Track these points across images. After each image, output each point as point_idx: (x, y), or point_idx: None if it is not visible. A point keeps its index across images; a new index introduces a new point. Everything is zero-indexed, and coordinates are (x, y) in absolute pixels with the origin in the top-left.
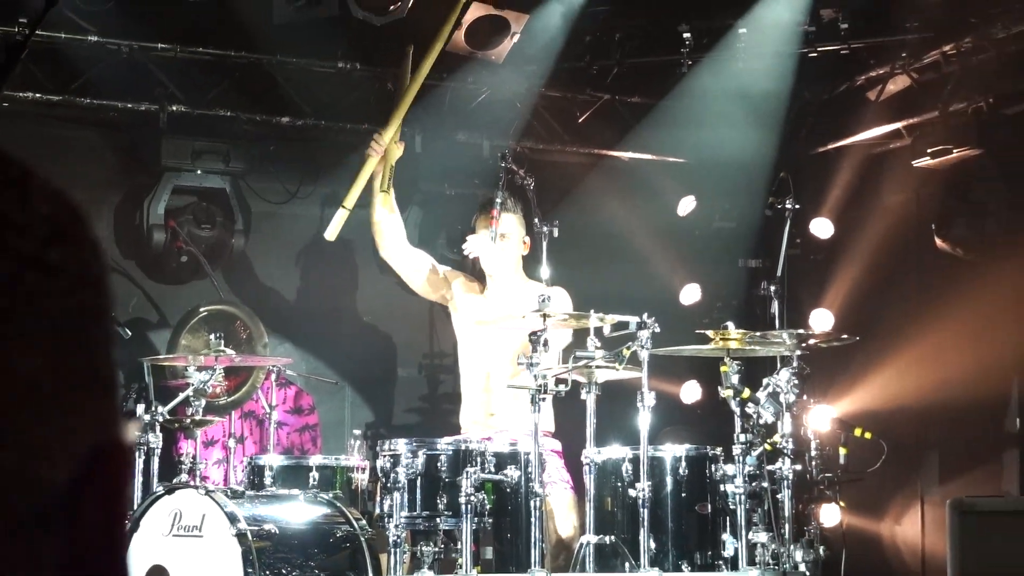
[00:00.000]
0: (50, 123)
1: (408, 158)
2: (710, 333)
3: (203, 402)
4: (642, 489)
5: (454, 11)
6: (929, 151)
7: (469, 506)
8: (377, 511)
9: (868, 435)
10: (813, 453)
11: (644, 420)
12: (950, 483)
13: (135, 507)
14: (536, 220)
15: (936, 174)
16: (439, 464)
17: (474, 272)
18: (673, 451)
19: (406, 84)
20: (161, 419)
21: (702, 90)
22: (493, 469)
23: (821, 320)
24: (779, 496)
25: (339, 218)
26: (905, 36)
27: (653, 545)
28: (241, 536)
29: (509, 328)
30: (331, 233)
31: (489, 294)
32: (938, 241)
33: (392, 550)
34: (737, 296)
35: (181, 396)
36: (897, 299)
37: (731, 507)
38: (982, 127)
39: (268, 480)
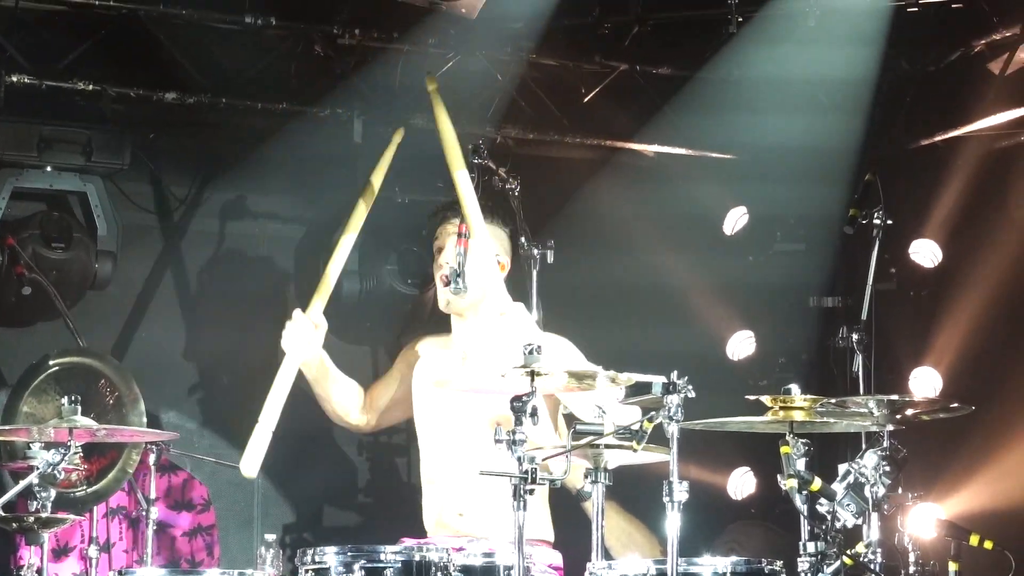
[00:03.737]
0: None
1: (344, 149)
2: (767, 400)
3: (52, 493)
4: None
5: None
6: None
7: None
8: None
9: (989, 544)
10: (912, 570)
11: (673, 522)
12: None
13: None
14: (523, 240)
15: None
16: None
17: (435, 314)
18: (714, 565)
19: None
20: None
21: (756, 59)
22: None
23: (924, 382)
24: None
25: (259, 444)
26: None
27: None
28: None
29: (482, 391)
30: (250, 468)
31: (455, 343)
32: None
33: None
34: (806, 348)
35: (22, 484)
36: None
37: None
38: None
39: None
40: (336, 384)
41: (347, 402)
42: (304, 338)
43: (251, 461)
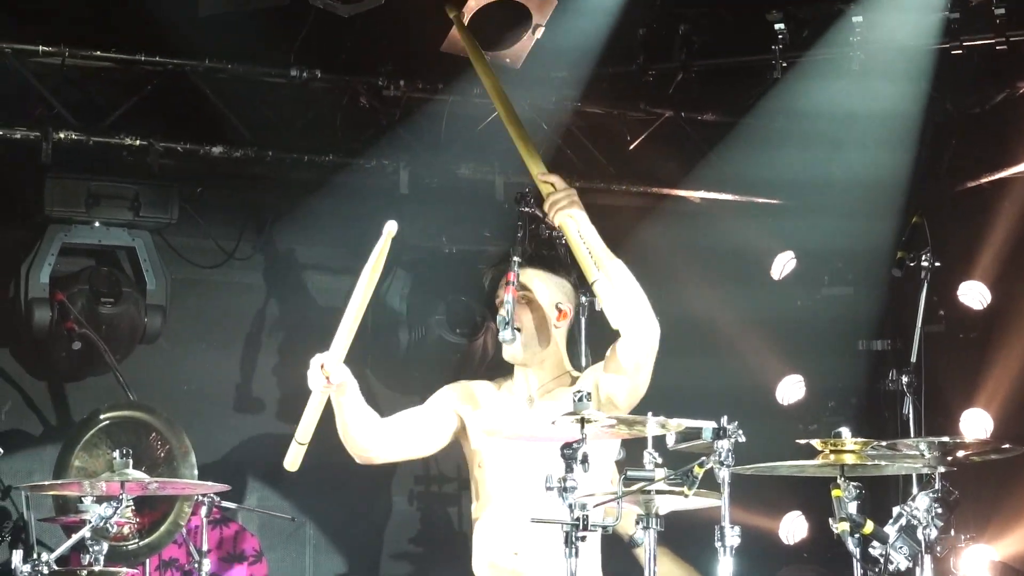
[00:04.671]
0: None
1: (391, 200)
2: (817, 444)
3: (105, 547)
4: None
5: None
6: None
7: None
8: None
9: None
10: None
11: (725, 567)
12: None
13: None
14: (583, 293)
15: None
16: None
17: (484, 362)
18: None
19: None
20: (46, 571)
21: (801, 103)
22: None
23: (975, 424)
24: None
25: (296, 452)
26: None
27: None
28: None
29: (534, 439)
30: (292, 463)
31: (508, 390)
32: None
33: None
34: (856, 392)
35: (74, 538)
36: None
37: None
38: None
39: None
40: (360, 423)
41: (379, 444)
42: (324, 384)
43: (292, 461)
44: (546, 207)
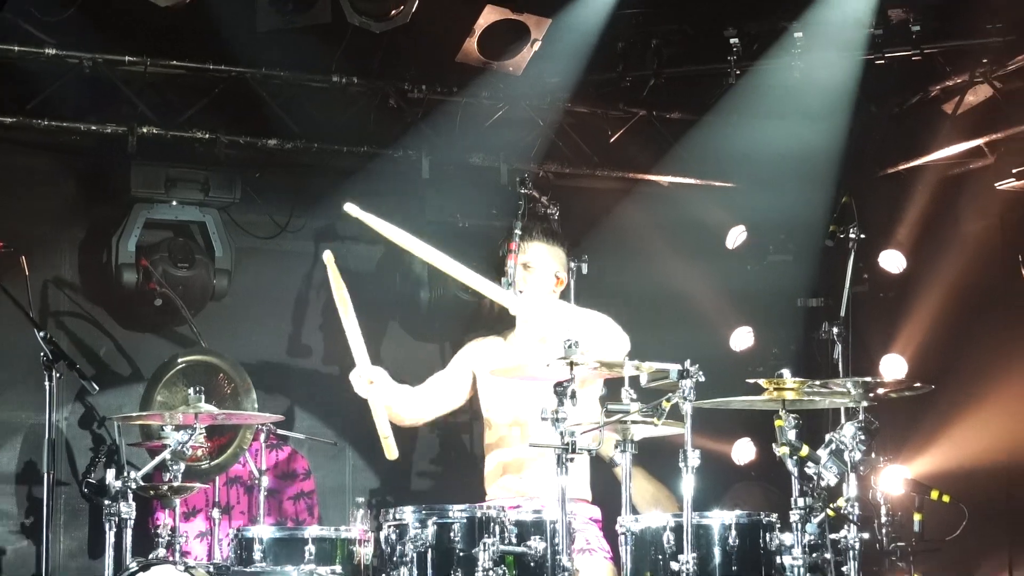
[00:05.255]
0: (2, 149)
1: (414, 185)
2: (763, 382)
3: (182, 466)
4: (686, 562)
5: None
6: (1015, 171)
7: None
8: None
9: (947, 498)
10: (883, 519)
11: (688, 483)
12: None
13: None
14: (572, 264)
15: (1023, 199)
16: (452, 535)
17: (492, 316)
18: (721, 518)
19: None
20: (134, 486)
21: (752, 104)
22: (515, 540)
23: (892, 367)
24: (844, 568)
25: (387, 443)
26: (987, 39)
27: None
28: None
29: (533, 379)
30: (390, 454)
31: (513, 339)
32: None
33: None
34: (795, 340)
35: (157, 460)
36: (980, 341)
37: None
38: None
39: (258, 555)
40: (405, 407)
41: (422, 410)
42: (367, 389)
43: (390, 450)
44: None
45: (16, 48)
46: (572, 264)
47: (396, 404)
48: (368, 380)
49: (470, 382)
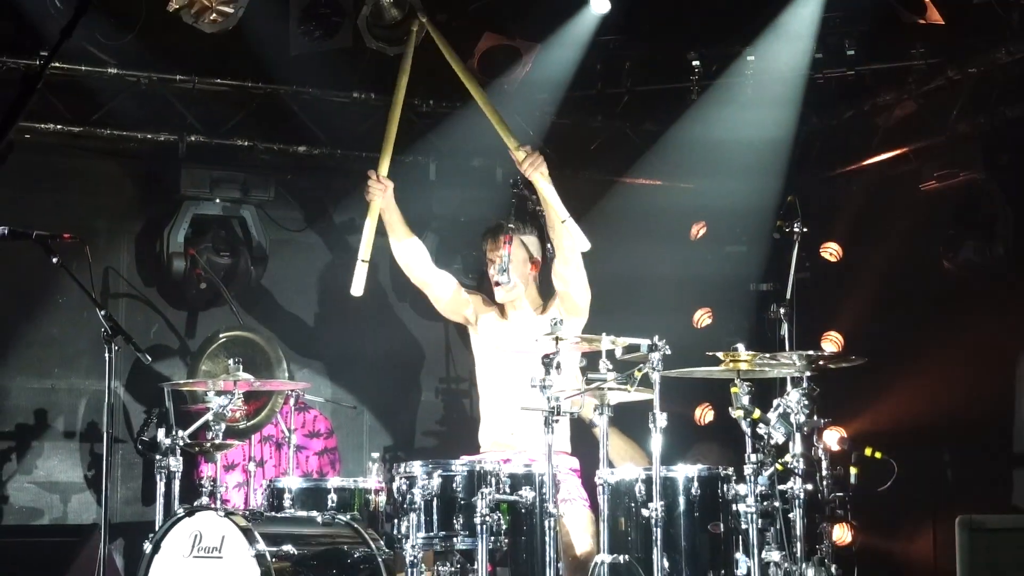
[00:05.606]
0: (71, 154)
1: (423, 185)
2: (721, 355)
3: (223, 426)
4: (655, 509)
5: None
6: (936, 175)
7: (484, 526)
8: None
9: (878, 455)
10: (824, 473)
11: (656, 441)
12: (961, 501)
13: (156, 529)
14: (548, 245)
15: (943, 198)
16: (454, 485)
17: (491, 295)
18: (685, 471)
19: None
20: (182, 443)
21: (712, 116)
22: (508, 490)
23: (831, 342)
24: (791, 515)
25: (360, 272)
26: (912, 62)
27: (666, 564)
28: (260, 557)
29: (525, 352)
30: (357, 289)
31: (510, 318)
32: (945, 264)
33: (409, 570)
34: (748, 319)
35: (201, 421)
36: (905, 321)
37: (743, 526)
38: (988, 151)
39: (287, 502)
40: (399, 225)
41: (410, 250)
42: (378, 190)
43: (357, 286)
44: (523, 168)
45: (83, 68)
46: (549, 246)
47: (396, 222)
48: (383, 185)
49: (466, 310)
